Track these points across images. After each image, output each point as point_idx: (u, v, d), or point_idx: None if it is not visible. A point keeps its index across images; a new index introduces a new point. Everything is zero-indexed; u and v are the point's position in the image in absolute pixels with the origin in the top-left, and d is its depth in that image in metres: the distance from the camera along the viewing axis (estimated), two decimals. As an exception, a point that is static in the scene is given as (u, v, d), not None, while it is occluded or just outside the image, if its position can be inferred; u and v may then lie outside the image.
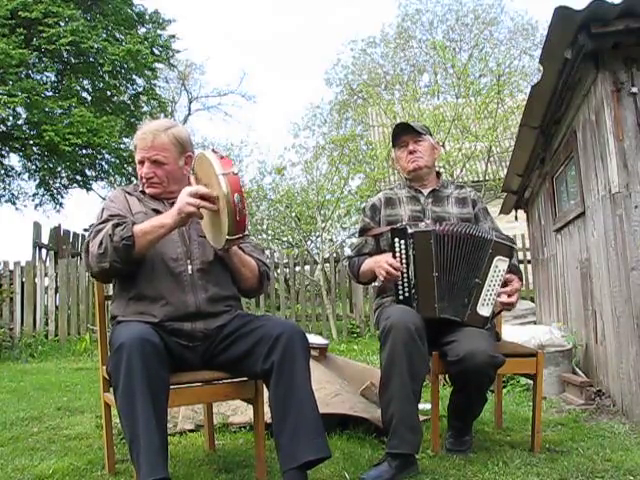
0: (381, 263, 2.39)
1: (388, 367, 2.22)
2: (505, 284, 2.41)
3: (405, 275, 2.37)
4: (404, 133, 2.65)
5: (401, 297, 2.38)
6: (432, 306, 2.36)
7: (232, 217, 1.85)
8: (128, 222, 2.02)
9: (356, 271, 2.63)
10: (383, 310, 2.48)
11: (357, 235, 2.76)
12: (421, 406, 2.44)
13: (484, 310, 2.37)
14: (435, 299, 2.36)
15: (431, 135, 2.73)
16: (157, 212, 2.18)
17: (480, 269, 2.37)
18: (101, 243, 1.99)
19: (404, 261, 2.37)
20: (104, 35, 13.45)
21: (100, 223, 2.09)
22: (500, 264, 2.37)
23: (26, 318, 7.93)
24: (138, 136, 2.22)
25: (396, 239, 2.39)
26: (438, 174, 2.76)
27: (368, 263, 2.54)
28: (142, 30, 14.79)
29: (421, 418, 2.50)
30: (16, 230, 30.71)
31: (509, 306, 2.42)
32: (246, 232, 1.94)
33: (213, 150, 1.93)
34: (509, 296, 2.39)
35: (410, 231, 2.37)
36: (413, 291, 2.36)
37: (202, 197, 1.91)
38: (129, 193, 2.25)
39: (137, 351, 1.84)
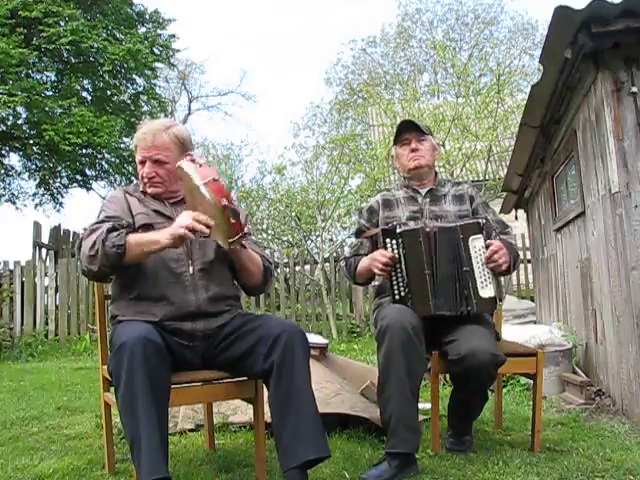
0: (376, 256, 2.40)
1: (385, 367, 2.22)
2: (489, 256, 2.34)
3: (400, 274, 2.38)
4: (408, 131, 2.66)
5: (397, 297, 2.38)
6: (427, 304, 2.35)
7: (226, 222, 1.86)
8: (122, 231, 2.01)
9: (352, 271, 2.63)
10: (380, 310, 2.48)
11: (354, 237, 2.77)
12: (421, 406, 2.44)
13: (487, 292, 2.35)
14: (429, 296, 2.35)
15: (432, 136, 2.74)
16: (158, 213, 2.18)
17: (462, 257, 2.36)
18: (94, 244, 1.99)
19: (397, 261, 2.38)
20: (104, 35, 13.43)
21: (96, 223, 2.09)
22: (476, 243, 2.36)
23: (26, 318, 7.93)
24: (138, 136, 2.22)
25: (387, 239, 2.39)
26: (435, 174, 2.76)
27: (364, 262, 2.54)
28: (142, 30, 14.76)
29: (421, 418, 2.51)
30: (16, 230, 30.72)
31: (500, 267, 2.33)
32: (245, 230, 1.95)
33: (192, 159, 1.93)
34: (494, 257, 2.31)
35: (398, 230, 2.38)
36: (407, 290, 2.37)
37: (199, 222, 1.90)
38: (129, 193, 2.25)
39: (139, 350, 1.84)
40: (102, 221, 2.09)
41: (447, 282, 2.36)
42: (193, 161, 1.91)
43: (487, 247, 2.35)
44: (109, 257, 1.97)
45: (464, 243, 2.36)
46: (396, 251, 2.38)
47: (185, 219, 1.91)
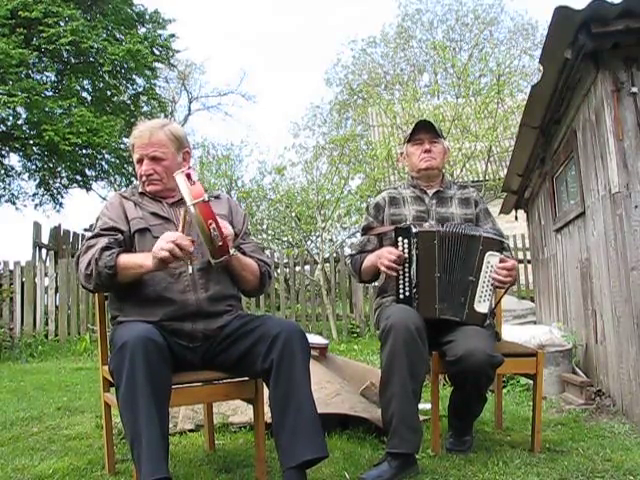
0: (383, 253, 2.39)
1: (388, 367, 2.22)
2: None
3: (407, 274, 2.37)
4: (423, 131, 2.66)
5: (402, 296, 2.38)
6: (432, 307, 2.36)
7: (211, 244, 1.93)
8: (114, 251, 2.03)
9: (358, 268, 2.62)
10: (383, 310, 2.48)
11: (360, 233, 2.77)
12: (421, 406, 2.44)
13: (481, 307, 2.37)
14: (436, 300, 2.37)
15: (445, 139, 2.76)
16: (155, 214, 2.19)
17: (473, 267, 2.36)
18: (89, 264, 2.03)
19: (406, 260, 2.37)
20: (104, 35, 13.43)
21: (92, 237, 2.12)
22: (492, 259, 2.37)
23: (26, 318, 7.92)
24: (135, 135, 2.25)
25: (400, 238, 2.39)
26: (442, 176, 2.77)
27: (370, 259, 2.53)
28: (142, 30, 14.76)
29: (421, 418, 2.50)
30: (16, 230, 30.66)
31: (506, 283, 2.39)
32: (231, 253, 2.02)
33: (187, 174, 1.95)
34: (506, 274, 2.35)
35: (414, 230, 2.37)
36: (414, 291, 2.37)
37: (178, 246, 1.92)
38: (126, 198, 2.25)
39: (140, 350, 1.84)
40: (98, 235, 2.11)
41: (453, 287, 2.37)
42: (188, 176, 1.94)
43: (502, 262, 2.36)
44: (102, 277, 2.01)
45: (480, 255, 2.36)
46: (407, 251, 2.37)
47: (164, 243, 1.93)
